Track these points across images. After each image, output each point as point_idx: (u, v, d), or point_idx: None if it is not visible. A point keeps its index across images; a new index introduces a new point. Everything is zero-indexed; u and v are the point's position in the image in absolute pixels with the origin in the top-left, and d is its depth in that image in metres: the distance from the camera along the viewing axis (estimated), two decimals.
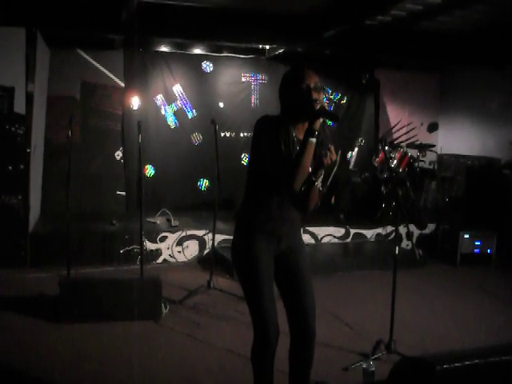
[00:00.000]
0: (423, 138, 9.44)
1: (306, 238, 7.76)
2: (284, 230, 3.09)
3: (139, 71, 8.50)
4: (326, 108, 2.94)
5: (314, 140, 2.82)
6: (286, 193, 2.94)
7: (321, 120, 2.87)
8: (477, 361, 3.00)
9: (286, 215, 3.08)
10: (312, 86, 2.97)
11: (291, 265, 3.16)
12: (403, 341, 4.59)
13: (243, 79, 9.11)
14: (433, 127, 9.94)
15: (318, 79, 3.03)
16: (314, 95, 2.95)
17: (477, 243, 7.59)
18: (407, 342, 4.67)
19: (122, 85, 8.46)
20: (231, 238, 7.65)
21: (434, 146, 8.86)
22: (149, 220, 7.56)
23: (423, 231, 8.24)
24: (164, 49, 8.55)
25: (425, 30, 7.70)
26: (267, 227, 3.05)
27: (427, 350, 4.42)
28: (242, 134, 9.13)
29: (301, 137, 2.99)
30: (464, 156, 8.93)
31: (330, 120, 2.98)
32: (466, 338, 4.96)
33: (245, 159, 9.21)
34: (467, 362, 2.98)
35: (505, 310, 5.84)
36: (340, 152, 3.00)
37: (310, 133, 2.84)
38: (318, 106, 2.90)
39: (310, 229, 7.80)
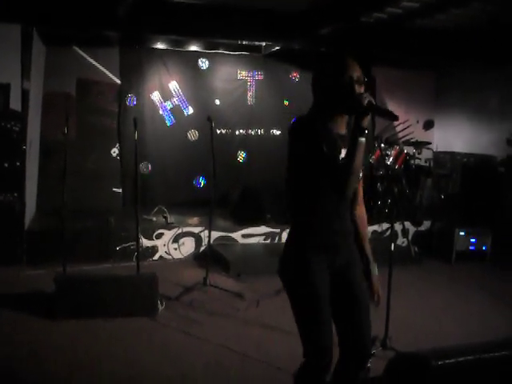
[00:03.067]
0: (419, 135, 9.46)
1: None
2: (341, 242, 2.81)
3: (135, 68, 8.51)
4: (375, 103, 2.57)
5: (363, 139, 2.53)
6: (337, 197, 2.68)
7: (369, 117, 2.57)
8: (471, 357, 3.02)
9: (342, 226, 2.81)
10: (355, 77, 2.65)
11: (348, 280, 2.86)
12: (398, 337, 4.61)
13: (239, 76, 9.11)
14: (429, 125, 9.96)
15: (360, 71, 2.70)
16: (358, 88, 2.65)
17: (472, 240, 7.62)
18: (402, 338, 4.68)
19: (118, 82, 8.45)
20: (227, 234, 7.72)
21: (429, 143, 8.89)
22: (145, 217, 7.56)
23: (419, 228, 8.26)
24: (160, 46, 8.54)
25: (420, 28, 7.71)
26: (323, 241, 2.75)
27: (422, 346, 4.43)
28: (238, 131, 9.14)
29: (340, 131, 2.76)
30: (459, 153, 8.95)
31: (386, 118, 2.66)
32: (461, 334, 4.97)
33: (241, 156, 9.21)
34: (461, 358, 3.01)
35: (499, 307, 5.86)
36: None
37: (359, 131, 2.53)
38: (366, 101, 2.53)
39: None
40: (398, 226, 7.72)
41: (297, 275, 2.75)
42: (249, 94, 9.18)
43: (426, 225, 8.29)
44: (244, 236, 7.54)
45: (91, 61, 8.26)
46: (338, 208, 2.77)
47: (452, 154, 9.04)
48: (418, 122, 9.70)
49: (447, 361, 2.97)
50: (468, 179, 8.60)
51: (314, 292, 2.71)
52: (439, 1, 6.39)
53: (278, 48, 8.37)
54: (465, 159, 8.73)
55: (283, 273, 2.82)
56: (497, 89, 8.78)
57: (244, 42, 8.17)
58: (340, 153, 2.70)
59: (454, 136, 9.65)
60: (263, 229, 7.61)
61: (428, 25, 7.56)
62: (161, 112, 8.71)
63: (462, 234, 7.58)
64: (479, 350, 3.15)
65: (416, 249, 7.68)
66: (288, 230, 2.89)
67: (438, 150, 9.18)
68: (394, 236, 4.77)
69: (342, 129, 2.79)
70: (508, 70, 8.44)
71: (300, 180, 2.79)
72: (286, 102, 9.34)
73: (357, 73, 2.67)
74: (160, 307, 5.25)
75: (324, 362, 2.71)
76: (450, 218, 8.17)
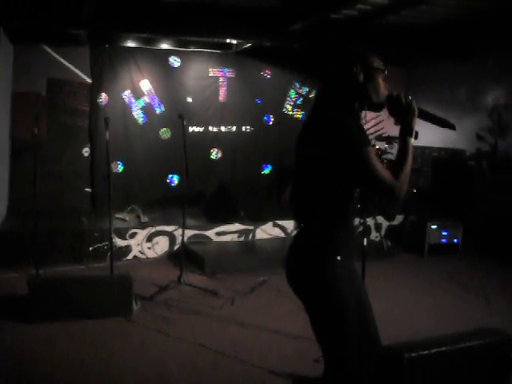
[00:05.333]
0: (391, 130, 9.48)
1: (276, 232, 7.80)
2: (353, 246, 2.72)
3: (106, 67, 8.42)
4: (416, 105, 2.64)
5: (412, 139, 2.61)
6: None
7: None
8: (443, 348, 3.09)
9: (353, 230, 2.76)
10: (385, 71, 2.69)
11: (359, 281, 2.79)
12: None
13: (211, 74, 9.09)
14: None
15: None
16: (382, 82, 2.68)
17: (444, 233, 7.73)
18: None
19: (89, 81, 8.38)
20: (201, 232, 7.68)
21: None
22: (118, 217, 7.52)
23: (391, 223, 8.34)
24: (130, 44, 8.48)
25: (390, 24, 7.78)
26: (349, 247, 2.66)
27: (396, 339, 4.47)
28: (210, 129, 9.12)
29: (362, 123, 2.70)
30: (430, 148, 9.05)
31: (443, 126, 2.76)
32: (434, 326, 5.03)
33: (214, 154, 9.20)
34: (434, 350, 3.08)
35: (471, 298, 5.95)
36: None
37: (409, 132, 2.62)
38: (415, 106, 2.64)
39: (280, 222, 7.84)
40: (370, 221, 7.79)
41: (335, 286, 2.55)
42: (221, 92, 9.16)
43: (399, 219, 8.38)
44: (218, 234, 7.54)
45: (61, 60, 8.17)
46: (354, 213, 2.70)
47: (423, 148, 9.14)
48: (389, 116, 9.77)
49: (420, 352, 3.04)
50: (439, 173, 8.71)
51: (361, 298, 2.68)
52: None
53: (249, 45, 8.37)
54: (435, 153, 8.83)
55: (313, 284, 2.60)
56: (466, 84, 8.90)
57: (215, 40, 8.18)
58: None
59: (425, 130, 9.67)
60: (237, 226, 7.63)
61: (397, 21, 7.63)
62: (132, 111, 8.65)
63: (433, 227, 7.68)
64: (451, 341, 3.23)
65: (389, 243, 7.76)
66: (305, 237, 2.70)
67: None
68: (366, 231, 4.81)
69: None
70: (476, 65, 8.57)
71: (339, 189, 2.57)
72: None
73: (381, 65, 2.67)
74: (135, 307, 5.23)
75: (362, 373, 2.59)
76: (421, 211, 8.26)
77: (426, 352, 3.04)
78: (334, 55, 2.71)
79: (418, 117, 2.62)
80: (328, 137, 2.50)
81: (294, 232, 7.93)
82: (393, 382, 2.96)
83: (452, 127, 2.67)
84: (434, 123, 2.70)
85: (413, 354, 2.99)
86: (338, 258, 2.57)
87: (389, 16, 7.33)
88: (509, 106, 8.24)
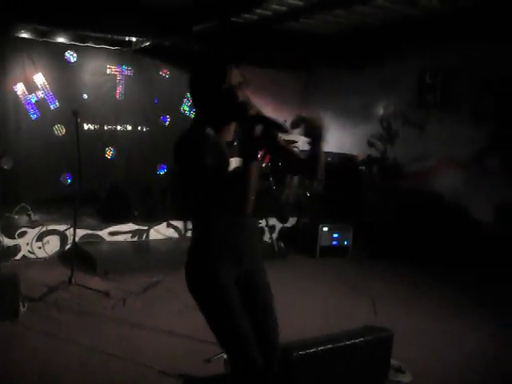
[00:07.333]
0: (286, 134, 9.72)
1: (170, 233, 7.78)
2: (245, 249, 2.71)
3: None
4: (263, 113, 2.46)
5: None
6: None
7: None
8: (329, 346, 3.23)
9: (246, 234, 2.71)
10: (236, 83, 2.59)
11: (252, 287, 2.82)
12: None
13: (108, 71, 8.91)
14: (296, 124, 10.26)
15: (240, 74, 2.65)
16: (240, 94, 2.56)
17: (335, 235, 7.98)
18: None
19: None
20: (94, 232, 7.53)
21: (296, 142, 9.17)
22: (7, 215, 7.24)
23: (285, 225, 8.52)
24: (24, 35, 8.15)
25: (289, 30, 7.95)
26: (228, 250, 2.64)
27: (286, 339, 4.58)
28: (106, 127, 8.96)
29: (229, 138, 2.65)
30: (324, 152, 9.32)
31: (275, 130, 2.53)
32: (323, 325, 5.16)
33: (109, 153, 9.04)
34: (321, 348, 3.20)
35: (358, 298, 6.17)
36: None
37: (250, 144, 2.42)
38: (253, 112, 2.44)
39: (174, 223, 7.82)
40: (263, 223, 7.92)
41: (210, 289, 2.62)
42: (117, 90, 9.01)
43: (292, 221, 8.57)
44: (111, 234, 7.42)
45: None
46: (241, 218, 2.63)
47: None
48: (285, 121, 9.92)
49: (308, 351, 3.15)
50: (332, 177, 8.98)
51: (231, 302, 2.61)
52: (306, 6, 6.64)
53: (148, 43, 8.29)
54: (329, 158, 9.10)
55: (194, 288, 2.67)
56: (360, 91, 9.24)
57: (114, 36, 8.04)
58: (229, 163, 2.57)
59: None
60: (130, 226, 7.54)
61: (296, 28, 7.82)
62: (25, 105, 8.34)
63: (325, 229, 7.92)
64: (337, 339, 3.37)
65: (282, 244, 7.92)
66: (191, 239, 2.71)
67: (305, 148, 9.49)
68: (260, 232, 4.90)
69: (230, 135, 2.67)
70: (369, 74, 8.95)
71: (195, 196, 2.62)
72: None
73: (236, 78, 2.59)
74: (22, 309, 5.04)
75: (257, 367, 2.61)
76: (314, 214, 8.49)
77: (313, 350, 3.16)
78: (194, 62, 2.66)
79: (254, 122, 2.42)
80: (175, 147, 2.53)
81: (188, 232, 7.96)
82: (282, 380, 3.05)
83: (285, 130, 2.55)
84: (269, 128, 2.48)
85: (301, 353, 3.09)
86: (211, 269, 2.60)
87: (288, 22, 7.49)
88: (398, 115, 8.65)
